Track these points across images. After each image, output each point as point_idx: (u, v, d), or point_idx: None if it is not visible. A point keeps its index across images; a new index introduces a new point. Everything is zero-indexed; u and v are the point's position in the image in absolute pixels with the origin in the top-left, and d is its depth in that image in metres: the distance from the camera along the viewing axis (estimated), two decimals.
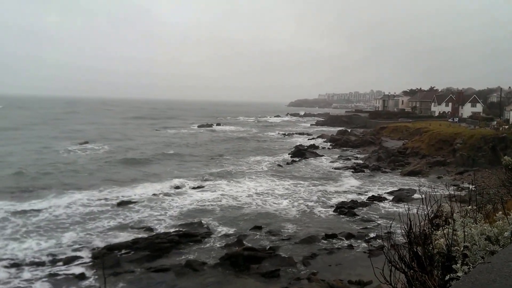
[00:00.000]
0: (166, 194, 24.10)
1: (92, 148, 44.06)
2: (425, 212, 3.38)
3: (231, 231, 18.03)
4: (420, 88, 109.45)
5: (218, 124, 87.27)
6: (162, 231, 17.65)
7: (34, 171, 29.57)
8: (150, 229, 17.89)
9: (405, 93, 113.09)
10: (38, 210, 20.01)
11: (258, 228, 18.24)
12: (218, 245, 16.26)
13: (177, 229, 17.75)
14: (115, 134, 59.69)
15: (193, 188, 26.06)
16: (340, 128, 71.67)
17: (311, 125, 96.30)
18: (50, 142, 47.84)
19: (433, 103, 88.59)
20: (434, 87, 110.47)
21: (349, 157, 41.18)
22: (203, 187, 26.41)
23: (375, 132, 59.68)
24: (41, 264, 13.79)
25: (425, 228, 2.98)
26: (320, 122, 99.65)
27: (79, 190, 24.33)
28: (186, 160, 38.30)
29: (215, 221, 19.36)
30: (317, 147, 48.54)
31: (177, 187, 25.98)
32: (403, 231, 2.95)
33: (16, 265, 13.64)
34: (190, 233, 16.97)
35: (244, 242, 16.20)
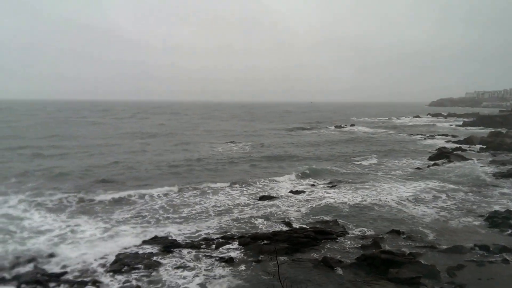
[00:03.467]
0: (302, 191, 25.02)
1: (237, 147, 47.87)
2: None
3: (367, 232, 17.83)
4: None
5: (352, 125, 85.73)
6: (298, 226, 18.44)
7: (186, 167, 33.58)
8: (288, 223, 18.86)
9: None
10: (194, 202, 22.79)
11: (396, 232, 17.64)
12: (353, 245, 16.27)
13: (313, 225, 18.32)
14: (257, 135, 63.46)
15: (328, 186, 26.55)
16: (493, 130, 63.77)
17: (456, 126, 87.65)
18: (197, 141, 53.76)
19: None
20: None
21: (504, 162, 36.51)
22: (336, 186, 26.63)
23: None
24: (197, 246, 15.81)
25: None
26: (467, 123, 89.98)
27: (227, 183, 26.90)
28: (320, 160, 38.83)
29: (350, 221, 19.37)
30: (464, 150, 44.18)
31: (312, 185, 26.89)
32: None
33: (177, 245, 15.87)
34: (326, 231, 17.34)
35: (381, 245, 15.91)
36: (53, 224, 18.24)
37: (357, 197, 23.89)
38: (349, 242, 16.60)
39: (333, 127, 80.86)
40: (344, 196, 23.98)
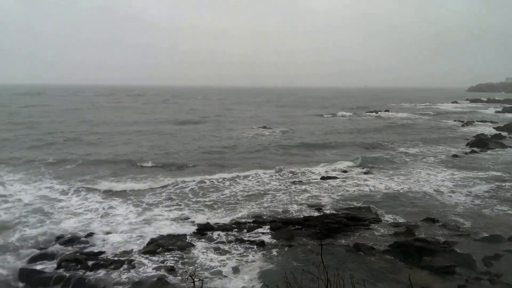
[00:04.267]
0: (333, 177, 24.80)
1: (269, 132, 47.91)
2: None
3: (401, 220, 17.53)
4: None
5: (387, 111, 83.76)
6: (329, 212, 18.34)
7: (217, 153, 33.95)
8: (319, 208, 18.80)
9: None
10: (225, 187, 23.11)
11: (430, 220, 17.24)
12: (386, 233, 16.04)
13: (345, 211, 18.17)
14: (290, 121, 63.08)
15: (361, 173, 26.20)
16: None
17: (496, 112, 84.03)
18: (229, 126, 54.16)
19: None
20: None
21: None
22: (370, 172, 26.24)
23: None
24: (229, 229, 16.03)
25: None
26: (507, 109, 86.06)
27: (258, 169, 27.01)
28: (354, 146, 38.25)
29: (383, 208, 19.08)
30: (503, 137, 42.40)
31: (344, 171, 26.60)
32: None
33: (210, 228, 16.15)
34: (358, 217, 17.16)
35: (415, 233, 15.62)
36: (89, 206, 18.93)
37: (391, 184, 23.46)
38: (381, 229, 16.36)
39: (368, 113, 79.27)
40: (378, 183, 23.61)
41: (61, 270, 12.54)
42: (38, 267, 12.82)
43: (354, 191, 22.02)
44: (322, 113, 79.49)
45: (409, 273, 12.39)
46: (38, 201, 19.31)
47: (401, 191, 22.01)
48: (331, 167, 27.86)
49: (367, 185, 23.12)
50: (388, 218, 17.79)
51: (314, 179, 24.64)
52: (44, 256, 13.55)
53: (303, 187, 22.75)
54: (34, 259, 13.36)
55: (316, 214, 17.99)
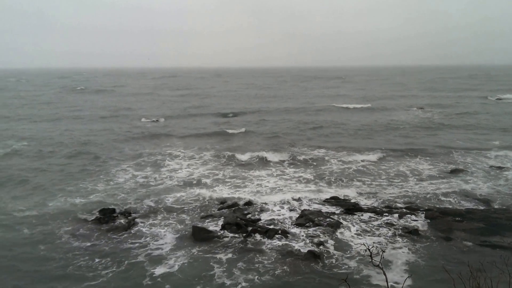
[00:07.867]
0: (505, 168, 21.78)
1: (425, 115, 44.50)
2: None
3: None
4: None
5: None
6: (497, 206, 16.27)
7: (375, 134, 33.04)
8: (485, 201, 16.85)
9: None
10: (378, 168, 22.55)
11: None
12: None
13: None
14: (444, 103, 57.35)
15: None
16: None
17: None
18: (386, 107, 52.04)
19: None
20: None
21: None
22: None
23: None
24: (378, 212, 15.65)
25: None
26: None
27: (412, 152, 25.70)
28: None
29: None
30: None
31: None
32: None
33: (359, 209, 16.07)
34: None
35: None
36: (248, 179, 20.69)
37: None
38: None
39: None
40: None
41: (225, 231, 14.13)
42: (207, 226, 14.66)
43: None
44: (483, 95, 68.28)
45: None
46: (206, 173, 21.93)
47: None
48: (498, 154, 24.49)
49: None
50: None
51: (479, 167, 22.02)
52: (210, 217, 15.45)
53: (464, 175, 20.58)
54: (203, 219, 15.35)
55: (480, 207, 16.18)
